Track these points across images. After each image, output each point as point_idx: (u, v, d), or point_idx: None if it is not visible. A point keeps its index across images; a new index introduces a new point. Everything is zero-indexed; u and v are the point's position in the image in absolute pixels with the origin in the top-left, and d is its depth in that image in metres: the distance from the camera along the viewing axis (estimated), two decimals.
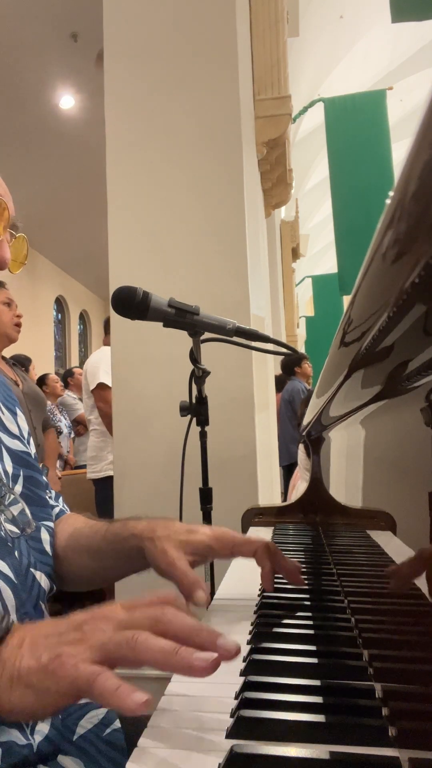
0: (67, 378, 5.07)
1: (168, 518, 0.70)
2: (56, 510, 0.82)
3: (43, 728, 0.60)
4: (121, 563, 0.73)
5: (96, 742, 0.64)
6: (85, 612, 0.45)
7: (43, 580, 0.68)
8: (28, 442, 0.79)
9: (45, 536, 0.74)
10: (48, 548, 0.73)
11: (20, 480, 0.73)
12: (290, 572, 0.66)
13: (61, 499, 0.86)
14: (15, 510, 0.68)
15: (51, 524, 0.76)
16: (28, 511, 0.69)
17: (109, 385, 2.60)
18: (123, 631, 0.41)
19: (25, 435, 0.80)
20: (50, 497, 0.81)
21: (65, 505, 0.86)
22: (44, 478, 0.80)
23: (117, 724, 0.67)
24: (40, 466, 2.62)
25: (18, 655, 0.42)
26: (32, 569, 0.66)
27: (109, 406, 2.52)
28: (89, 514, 0.84)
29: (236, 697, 0.41)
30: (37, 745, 0.57)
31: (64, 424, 4.48)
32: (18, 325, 2.45)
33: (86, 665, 0.39)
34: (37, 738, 0.58)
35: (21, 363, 3.51)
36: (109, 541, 0.72)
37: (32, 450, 0.79)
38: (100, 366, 3.04)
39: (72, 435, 4.66)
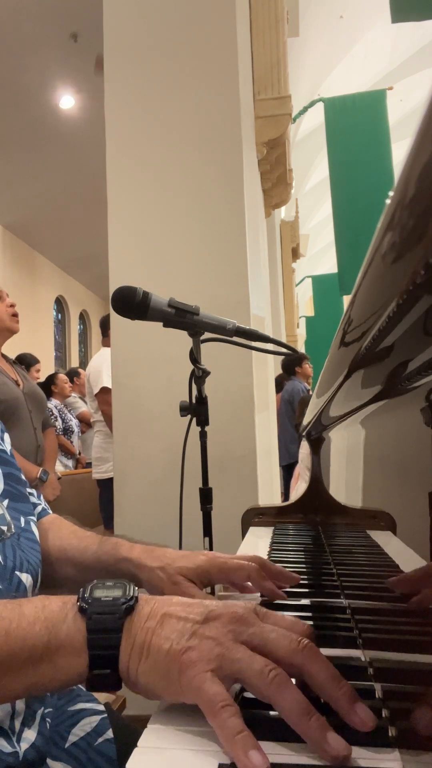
0: (73, 378, 5.09)
1: (158, 544, 0.70)
2: (39, 508, 0.81)
3: (29, 735, 0.59)
4: None
5: (87, 750, 0.64)
6: (220, 603, 0.44)
7: (28, 581, 0.66)
8: (2, 439, 0.78)
9: (34, 528, 0.73)
10: (38, 538, 0.73)
11: (0, 477, 0.72)
12: (284, 576, 0.67)
13: (42, 497, 0.85)
14: None
15: (34, 518, 0.76)
16: (7, 515, 0.68)
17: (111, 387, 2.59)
18: (261, 658, 0.39)
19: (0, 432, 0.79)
20: (31, 493, 0.80)
21: (47, 505, 0.85)
22: (23, 475, 0.79)
23: (110, 734, 0.66)
24: (40, 470, 2.59)
25: (150, 629, 0.41)
26: (17, 572, 0.64)
27: (111, 408, 2.51)
28: (74, 519, 0.83)
29: (236, 698, 0.41)
30: (23, 753, 0.56)
31: (74, 423, 4.47)
32: (15, 315, 2.36)
33: (213, 684, 0.38)
34: (24, 746, 0.57)
35: (23, 362, 3.48)
36: (100, 560, 0.71)
37: (7, 447, 0.78)
38: (102, 370, 3.04)
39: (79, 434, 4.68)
